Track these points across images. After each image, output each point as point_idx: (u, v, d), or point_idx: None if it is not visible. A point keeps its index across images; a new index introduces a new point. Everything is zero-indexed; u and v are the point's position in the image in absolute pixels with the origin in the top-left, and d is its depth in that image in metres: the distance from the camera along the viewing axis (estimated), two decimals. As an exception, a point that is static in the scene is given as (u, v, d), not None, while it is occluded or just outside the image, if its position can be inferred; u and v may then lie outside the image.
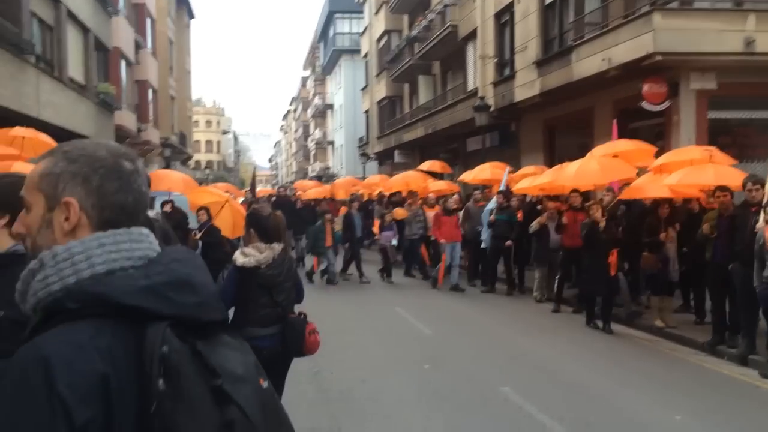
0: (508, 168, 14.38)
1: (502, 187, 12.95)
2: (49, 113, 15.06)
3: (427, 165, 20.20)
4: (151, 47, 29.79)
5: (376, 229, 16.35)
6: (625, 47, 12.22)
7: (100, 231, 1.16)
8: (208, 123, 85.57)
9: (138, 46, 26.73)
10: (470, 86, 21.26)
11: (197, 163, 66.59)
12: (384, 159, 34.19)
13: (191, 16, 45.56)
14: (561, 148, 16.88)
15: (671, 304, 9.33)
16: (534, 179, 12.24)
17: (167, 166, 37.57)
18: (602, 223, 8.67)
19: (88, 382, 0.99)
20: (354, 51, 43.76)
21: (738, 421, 5.54)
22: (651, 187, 8.91)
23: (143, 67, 27.63)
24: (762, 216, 6.92)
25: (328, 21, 48.92)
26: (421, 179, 18.10)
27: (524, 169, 14.82)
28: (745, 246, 7.14)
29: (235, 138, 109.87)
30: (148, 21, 29.22)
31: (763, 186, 7.53)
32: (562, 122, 16.78)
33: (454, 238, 12.70)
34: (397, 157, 30.72)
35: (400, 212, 15.27)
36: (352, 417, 5.49)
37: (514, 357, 7.61)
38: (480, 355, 7.74)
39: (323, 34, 52.93)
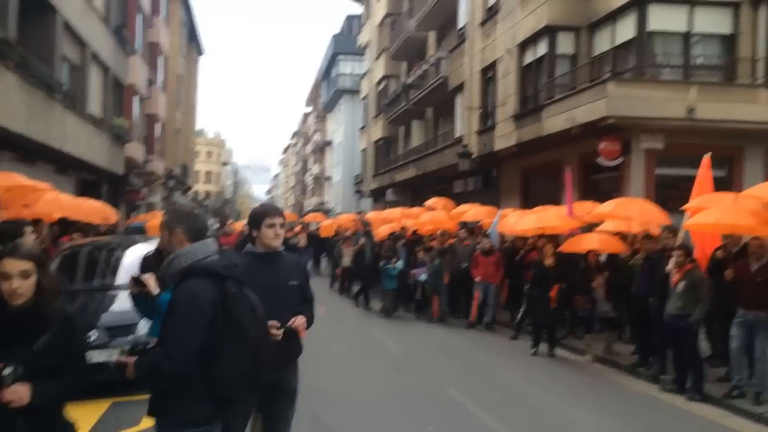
0: (499, 212, 15.46)
1: (491, 230, 14.12)
2: (70, 145, 16.69)
3: (431, 201, 20.62)
4: (162, 82, 31.68)
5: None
6: (586, 109, 13.95)
7: (195, 242, 2.78)
8: (209, 154, 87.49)
9: (150, 82, 28.58)
10: (457, 133, 23.00)
11: (195, 193, 68.29)
12: (378, 196, 35.85)
13: (200, 52, 47.73)
14: (535, 193, 18.46)
15: (612, 336, 10.78)
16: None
17: (169, 196, 39.30)
18: (549, 262, 10.21)
19: (208, 300, 2.64)
20: (354, 91, 45.80)
21: (637, 422, 6.98)
22: (585, 241, 10.47)
23: (153, 101, 29.45)
24: (673, 259, 8.45)
25: (332, 61, 51.20)
26: (448, 217, 17.09)
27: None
28: (660, 284, 8.66)
29: (235, 170, 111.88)
30: (161, 58, 31.16)
31: (675, 234, 9.11)
32: (536, 171, 18.44)
33: (489, 278, 12.84)
34: (390, 196, 32.37)
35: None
36: (328, 405, 6.92)
37: (466, 369, 9.08)
38: (437, 367, 9.21)
39: (326, 74, 55.21)
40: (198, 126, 70.07)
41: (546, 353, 10.36)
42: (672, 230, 9.12)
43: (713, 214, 8.31)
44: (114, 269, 8.22)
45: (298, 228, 21.73)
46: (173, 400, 2.87)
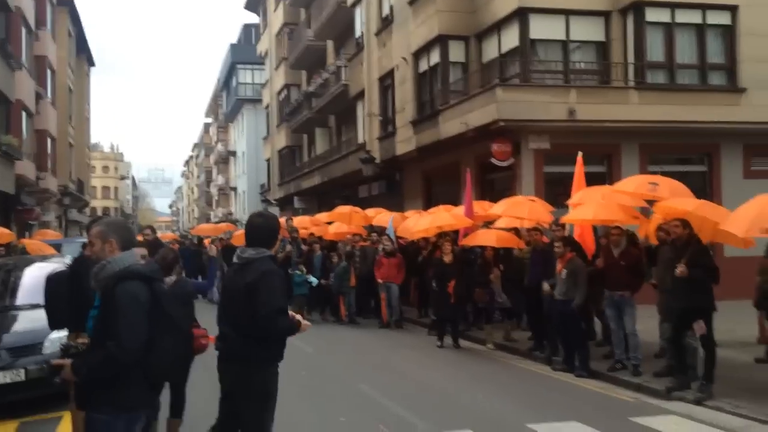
0: (392, 216, 16.08)
1: (388, 232, 14.61)
2: (-45, 165, 15.83)
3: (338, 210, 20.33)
4: (51, 97, 30.31)
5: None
6: (479, 113, 14.79)
7: (125, 251, 3.06)
8: (106, 168, 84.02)
9: (38, 97, 27.33)
10: (360, 140, 23.52)
11: (93, 209, 65.33)
12: (285, 205, 35.84)
13: (91, 63, 45.90)
14: (437, 195, 19.18)
15: (511, 325, 11.53)
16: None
17: (64, 214, 37.54)
18: (448, 259, 10.83)
19: (144, 297, 3.05)
20: (256, 101, 45.44)
21: (530, 398, 7.62)
22: (482, 237, 11.17)
23: (43, 116, 28.15)
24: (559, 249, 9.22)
25: (231, 71, 50.58)
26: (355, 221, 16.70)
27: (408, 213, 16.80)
28: (550, 273, 9.42)
29: (134, 183, 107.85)
30: (49, 72, 29.83)
31: (563, 227, 9.94)
32: (437, 173, 19.21)
33: (392, 279, 13.18)
34: (296, 203, 32.49)
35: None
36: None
37: (376, 366, 9.51)
38: (348, 365, 9.58)
39: (226, 83, 54.43)
40: (93, 140, 67.05)
41: (451, 345, 10.95)
42: (558, 223, 9.93)
43: (590, 209, 9.16)
44: (13, 290, 8.07)
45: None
46: (112, 388, 3.23)
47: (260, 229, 4.14)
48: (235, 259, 4.13)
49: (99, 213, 70.52)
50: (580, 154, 10.32)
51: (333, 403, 7.37)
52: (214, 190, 66.61)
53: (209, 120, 73.71)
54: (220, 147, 61.61)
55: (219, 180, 62.51)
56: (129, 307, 3.14)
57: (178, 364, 3.62)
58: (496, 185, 16.26)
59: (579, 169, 10.15)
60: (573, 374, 8.64)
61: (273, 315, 3.88)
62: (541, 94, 14.50)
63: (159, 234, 27.64)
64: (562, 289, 8.80)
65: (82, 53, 41.65)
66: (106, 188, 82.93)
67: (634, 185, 8.80)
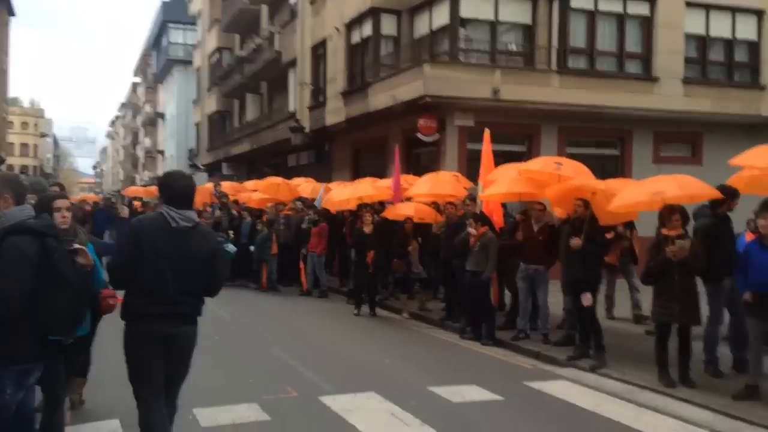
0: (323, 186, 16.05)
1: (316, 203, 14.61)
2: None
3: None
4: (-36, 46, 28.58)
5: None
6: (406, 88, 14.98)
7: (18, 205, 3.08)
8: (25, 125, 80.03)
9: (-51, 45, 25.73)
10: (291, 108, 23.34)
11: (10, 167, 62.20)
12: (213, 171, 35.22)
13: (11, 13, 43.35)
14: (364, 167, 19.37)
15: (427, 295, 11.92)
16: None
17: (-23, 170, 35.66)
18: (368, 230, 11.06)
19: (31, 252, 3.05)
20: (187, 62, 44.12)
21: (435, 363, 7.98)
22: (402, 209, 11.45)
23: (-46, 66, 26.56)
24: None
25: (162, 30, 48.84)
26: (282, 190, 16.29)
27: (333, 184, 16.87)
28: (461, 246, 9.78)
29: (56, 142, 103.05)
30: (-39, 18, 28.06)
31: (475, 201, 10.31)
32: (365, 145, 19.37)
33: (313, 248, 13.28)
34: (225, 170, 32.00)
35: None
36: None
37: (290, 331, 9.71)
38: (262, 330, 9.74)
39: (156, 42, 52.54)
40: (11, 94, 63.59)
41: (368, 314, 11.24)
42: (473, 198, 10.29)
43: (504, 185, 9.54)
44: None
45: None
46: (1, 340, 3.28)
47: (192, 190, 4.14)
48: (175, 222, 3.94)
49: (17, 171, 67.24)
50: (486, 131, 10.63)
51: (243, 366, 7.51)
52: (140, 153, 64.61)
53: (137, 79, 71.06)
54: (148, 108, 59.66)
55: (146, 142, 60.62)
56: (10, 259, 3.17)
57: (72, 321, 3.65)
58: (422, 160, 16.57)
59: (486, 147, 10.49)
60: (479, 343, 9.07)
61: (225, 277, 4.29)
62: (467, 72, 14.80)
63: (82, 195, 26.63)
64: (472, 261, 9.18)
65: (3, 2, 39.27)
66: (24, 145, 79.03)
67: (540, 165, 9.21)
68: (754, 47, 17.05)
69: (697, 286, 6.86)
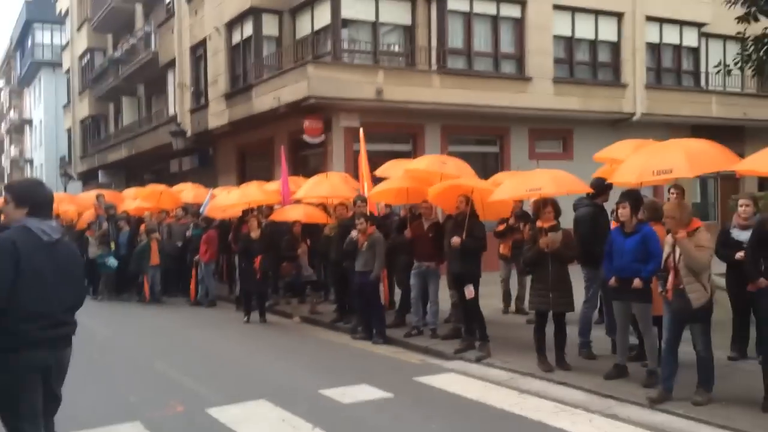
0: (210, 191, 15.49)
1: (202, 210, 14.13)
2: None
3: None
4: None
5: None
6: (291, 89, 14.85)
7: None
8: None
9: None
10: (171, 111, 22.48)
11: None
12: (89, 179, 33.28)
13: None
14: (251, 170, 19.03)
15: (317, 297, 11.86)
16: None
17: None
18: (255, 235, 10.85)
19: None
20: (56, 64, 41.42)
21: (328, 365, 7.95)
22: (291, 212, 11.34)
23: None
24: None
25: (26, 29, 45.54)
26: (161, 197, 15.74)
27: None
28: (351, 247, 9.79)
29: None
30: None
31: (366, 202, 10.36)
32: (251, 148, 19.01)
33: (201, 256, 12.90)
34: (102, 178, 30.34)
35: None
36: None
37: (176, 343, 9.35)
38: (145, 344, 9.32)
39: (20, 43, 48.90)
40: None
41: (258, 321, 11.02)
42: (364, 199, 10.33)
43: (394, 183, 9.67)
44: None
45: None
46: None
47: (53, 199, 3.93)
48: (47, 235, 3.69)
49: None
50: (361, 130, 10.71)
51: (124, 384, 7.14)
52: (6, 163, 59.90)
53: (0, 83, 65.80)
54: (13, 114, 55.36)
55: (12, 151, 56.28)
56: None
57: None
58: (310, 162, 16.49)
59: (361, 145, 10.58)
60: (371, 342, 9.14)
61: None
62: (350, 73, 14.89)
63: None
64: (361, 261, 9.22)
65: None
66: None
67: (426, 163, 9.43)
68: (615, 47, 18.33)
69: (569, 274, 7.27)
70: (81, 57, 33.09)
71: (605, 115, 17.69)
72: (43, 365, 3.65)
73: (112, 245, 13.76)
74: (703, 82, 19.64)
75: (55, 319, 3.67)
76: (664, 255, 5.92)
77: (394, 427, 5.70)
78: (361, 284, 9.17)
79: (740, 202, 7.09)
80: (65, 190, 31.24)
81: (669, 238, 5.87)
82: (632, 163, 6.53)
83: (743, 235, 6.76)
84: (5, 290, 3.49)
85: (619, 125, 17.38)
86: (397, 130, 15.81)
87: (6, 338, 3.53)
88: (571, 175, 7.71)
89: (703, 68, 19.51)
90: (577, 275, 7.49)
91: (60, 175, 34.31)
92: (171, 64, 22.27)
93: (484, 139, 17.39)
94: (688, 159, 5.99)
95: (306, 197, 11.71)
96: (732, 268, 7.02)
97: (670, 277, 5.79)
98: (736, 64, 11.92)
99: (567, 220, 8.33)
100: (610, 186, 7.70)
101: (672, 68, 19.53)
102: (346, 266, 9.92)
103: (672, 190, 8.30)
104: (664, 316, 6.05)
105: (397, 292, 10.41)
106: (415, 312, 9.32)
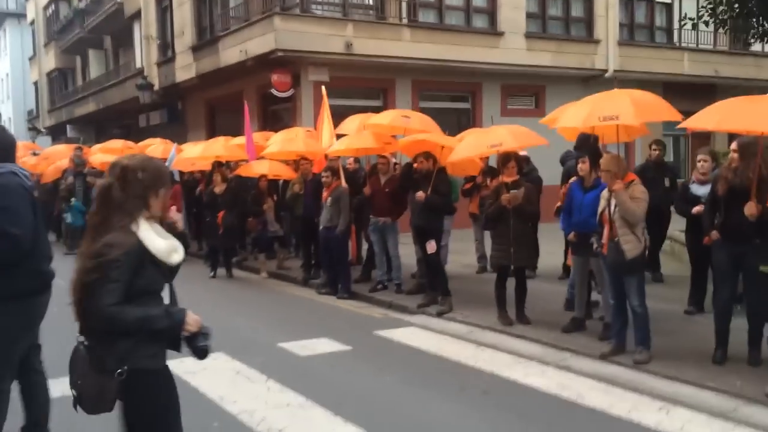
0: (175, 145, 15.28)
1: (168, 164, 13.92)
2: None
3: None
4: None
5: None
6: (258, 42, 14.50)
7: None
8: None
9: None
10: (138, 64, 21.91)
11: None
12: (57, 134, 32.54)
13: None
14: (221, 125, 18.64)
15: (286, 253, 11.81)
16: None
17: None
18: (219, 190, 10.72)
19: None
20: (20, 15, 40.08)
21: (289, 319, 7.96)
22: (257, 167, 11.17)
23: None
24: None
25: (-13, -22, 43.84)
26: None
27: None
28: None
29: None
30: None
31: (338, 159, 10.21)
32: (220, 102, 18.64)
33: None
34: (70, 132, 29.68)
35: None
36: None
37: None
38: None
39: (-19, -8, 47.10)
40: None
41: (224, 275, 10.97)
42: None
43: (354, 140, 9.55)
44: None
45: None
46: None
47: (15, 144, 3.93)
48: (29, 181, 3.77)
49: None
50: (323, 88, 10.43)
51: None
52: (-28, 116, 58.25)
53: (-37, 34, 63.50)
54: (-23, 67, 53.63)
55: (-22, 105, 54.70)
56: None
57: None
58: (279, 116, 16.24)
59: (324, 102, 10.33)
60: (335, 296, 9.15)
61: None
62: (319, 25, 14.55)
63: None
64: (326, 216, 9.16)
65: None
66: None
67: (389, 118, 9.30)
68: (588, 2, 18.10)
69: (536, 232, 7.28)
70: (45, 7, 31.99)
71: (577, 72, 17.59)
72: (42, 314, 3.77)
73: (72, 201, 13.57)
74: (676, 39, 19.55)
75: (50, 267, 3.76)
76: (600, 209, 5.90)
77: (347, 378, 5.73)
78: (327, 239, 9.14)
79: (699, 157, 7.14)
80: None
81: (605, 192, 5.86)
82: (579, 109, 6.47)
83: (701, 190, 6.83)
84: (31, 231, 3.52)
85: (591, 82, 17.29)
86: (367, 85, 15.59)
87: (32, 282, 3.62)
88: (528, 129, 7.74)
89: (676, 24, 19.37)
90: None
91: (28, 129, 33.47)
92: (137, 15, 21.61)
93: (455, 95, 17.21)
94: (634, 106, 5.95)
95: (271, 154, 11.50)
96: (691, 224, 7.10)
97: (605, 231, 5.80)
98: (700, 17, 11.86)
99: (555, 174, 8.41)
100: (596, 139, 7.66)
101: (645, 24, 19.42)
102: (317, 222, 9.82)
103: (654, 147, 8.42)
104: (604, 271, 6.10)
105: (365, 248, 10.41)
106: (379, 267, 9.35)
